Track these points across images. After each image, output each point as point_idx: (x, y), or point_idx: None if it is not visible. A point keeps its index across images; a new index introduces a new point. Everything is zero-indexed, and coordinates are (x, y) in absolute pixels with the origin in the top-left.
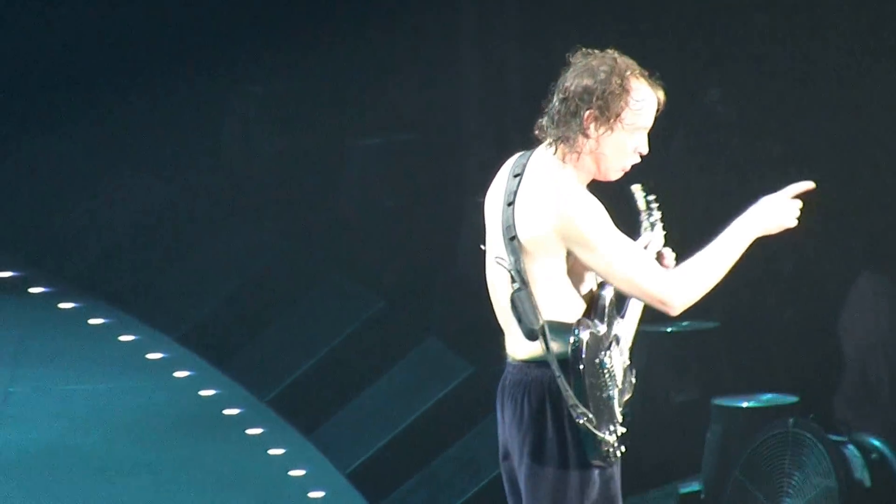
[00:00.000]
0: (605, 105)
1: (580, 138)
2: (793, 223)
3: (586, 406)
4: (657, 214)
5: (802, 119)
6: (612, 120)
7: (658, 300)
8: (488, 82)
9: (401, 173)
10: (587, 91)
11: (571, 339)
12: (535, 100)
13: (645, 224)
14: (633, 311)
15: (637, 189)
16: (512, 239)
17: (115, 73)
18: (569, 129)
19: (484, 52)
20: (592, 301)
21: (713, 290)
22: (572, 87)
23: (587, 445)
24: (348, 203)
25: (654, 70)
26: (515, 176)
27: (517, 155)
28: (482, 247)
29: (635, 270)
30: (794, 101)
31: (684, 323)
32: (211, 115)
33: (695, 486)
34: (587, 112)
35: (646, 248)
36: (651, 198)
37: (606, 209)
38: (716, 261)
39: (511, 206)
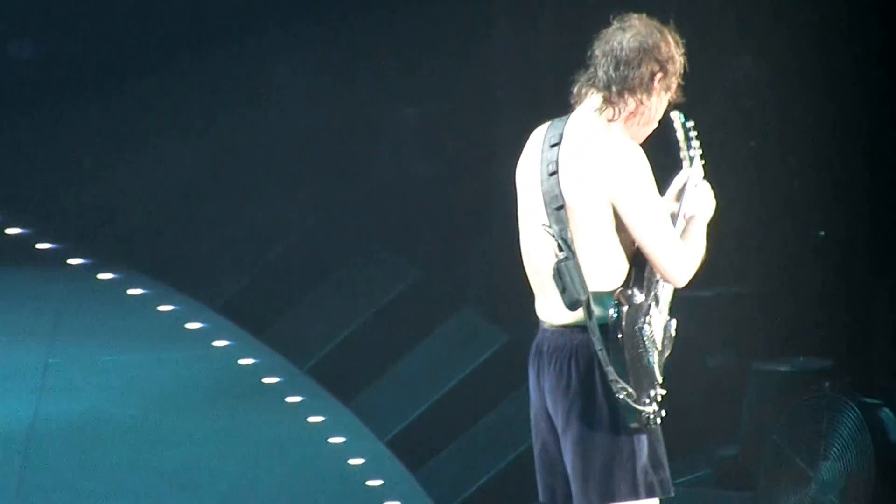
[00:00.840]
0: (671, 67)
1: (640, 99)
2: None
3: (626, 380)
4: (696, 145)
5: (836, 85)
6: (671, 82)
7: (672, 277)
8: (522, 52)
9: (436, 143)
10: (656, 52)
11: (611, 313)
12: (567, 69)
13: (684, 156)
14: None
15: (676, 117)
16: (558, 208)
17: (152, 43)
18: (627, 91)
19: (518, 22)
20: (632, 266)
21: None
22: (633, 48)
23: (628, 415)
24: (383, 173)
25: (685, 35)
26: (553, 146)
27: (546, 125)
28: (545, 226)
29: (663, 243)
30: (827, 68)
31: (719, 288)
32: (247, 86)
33: (732, 450)
34: (659, 74)
35: (685, 184)
36: (690, 124)
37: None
38: (699, 247)
39: (554, 176)
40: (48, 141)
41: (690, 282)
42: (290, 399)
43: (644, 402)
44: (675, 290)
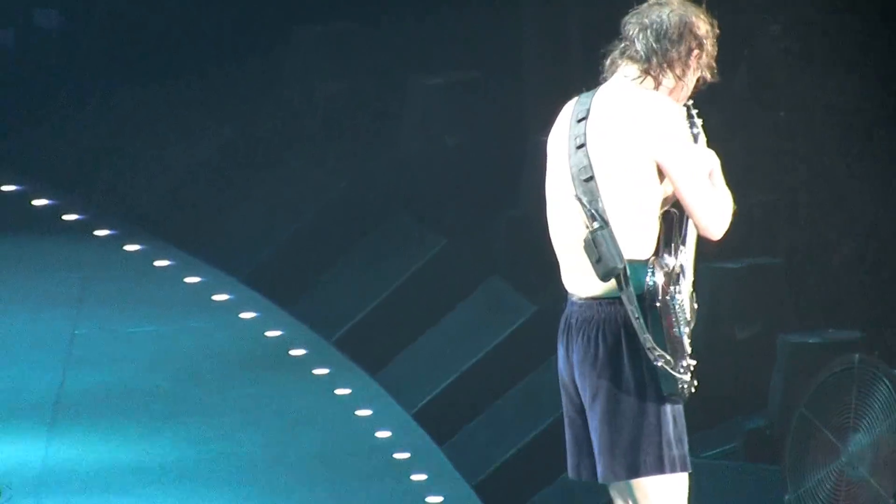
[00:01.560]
0: (705, 45)
1: (678, 75)
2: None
3: (664, 347)
4: (699, 123)
5: (867, 54)
6: (705, 56)
7: (712, 230)
8: (551, 20)
9: (463, 112)
10: (692, 28)
11: (647, 280)
12: (597, 38)
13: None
14: (692, 234)
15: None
16: (587, 180)
17: (175, 15)
18: (666, 65)
19: None
20: (660, 234)
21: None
22: (674, 23)
23: (664, 382)
24: (411, 142)
25: (716, 4)
26: (580, 120)
27: (575, 99)
28: (577, 196)
29: (704, 197)
30: (858, 37)
31: (748, 259)
32: (272, 55)
33: (760, 422)
34: (696, 49)
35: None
36: (690, 103)
37: None
38: (728, 198)
39: (582, 148)
40: (75, 112)
41: (720, 250)
42: (316, 371)
43: (680, 370)
44: (701, 270)
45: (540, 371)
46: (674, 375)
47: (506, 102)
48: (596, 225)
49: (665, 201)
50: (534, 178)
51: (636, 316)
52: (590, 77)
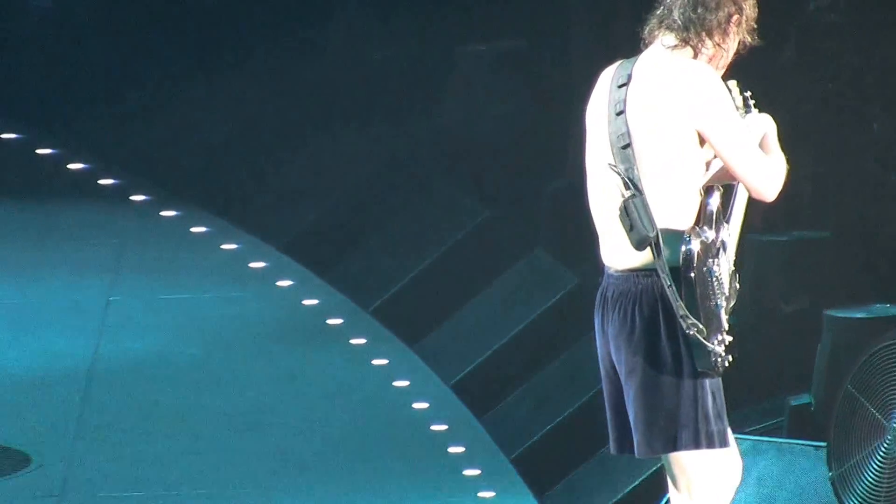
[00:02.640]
0: (745, 9)
1: (718, 42)
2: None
3: (697, 316)
4: (754, 112)
5: None
6: (743, 22)
7: (763, 191)
8: None
9: (507, 81)
10: None
11: (683, 248)
12: (643, 5)
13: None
14: (738, 214)
15: (734, 85)
16: (625, 147)
17: None
18: (703, 28)
19: None
20: (700, 208)
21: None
22: None
23: (697, 355)
24: (454, 111)
25: None
26: (621, 86)
27: (616, 64)
28: (611, 165)
29: (751, 158)
30: None
31: (795, 233)
32: (314, 21)
33: (805, 399)
34: (735, 16)
35: None
36: (748, 94)
37: None
38: (781, 158)
39: (622, 115)
40: (112, 74)
41: (767, 222)
42: (354, 341)
43: (713, 342)
44: (748, 243)
45: (581, 344)
46: (706, 347)
47: (551, 71)
48: (629, 193)
49: (713, 178)
50: (579, 148)
51: (668, 283)
52: (636, 46)
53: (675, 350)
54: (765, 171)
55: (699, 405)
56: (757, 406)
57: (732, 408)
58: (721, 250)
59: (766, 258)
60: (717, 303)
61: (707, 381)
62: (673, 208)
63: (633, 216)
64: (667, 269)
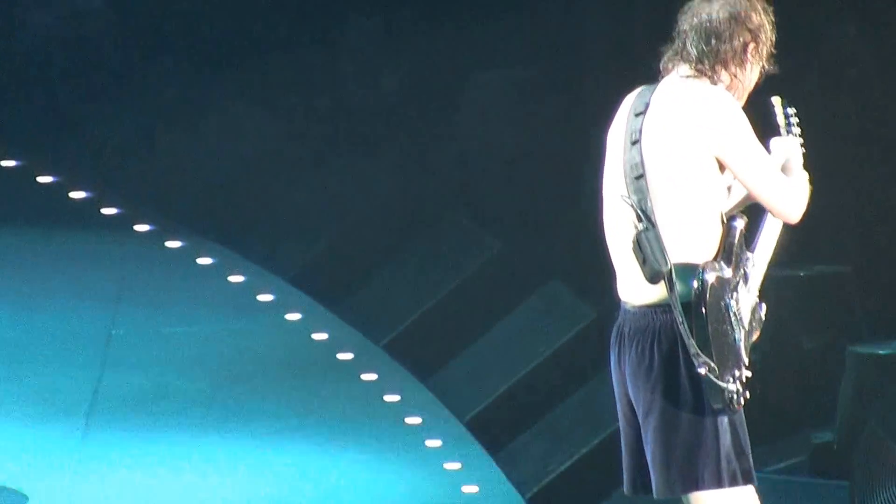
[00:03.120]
0: (762, 35)
1: (734, 73)
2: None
3: (709, 354)
4: (797, 131)
5: None
6: (763, 50)
7: (785, 213)
8: (612, 13)
9: (522, 108)
10: (747, 20)
11: (695, 283)
12: (660, 32)
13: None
14: (765, 243)
15: (777, 102)
16: (638, 178)
17: (224, 5)
18: (720, 65)
19: None
20: (719, 241)
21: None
22: (724, 17)
23: (709, 393)
24: (467, 139)
25: (788, 4)
26: (638, 115)
27: (636, 92)
28: (623, 196)
29: (772, 182)
30: None
31: (816, 267)
32: (324, 47)
33: (828, 437)
34: (751, 44)
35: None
36: (791, 111)
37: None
38: (804, 182)
39: (637, 145)
40: (116, 100)
41: (787, 256)
42: (364, 376)
43: (727, 379)
44: (768, 278)
45: (598, 380)
46: (718, 385)
47: (567, 100)
48: (641, 226)
49: (737, 204)
50: (595, 177)
51: (680, 320)
52: (651, 75)
53: (696, 387)
54: (786, 193)
55: (720, 443)
56: (778, 444)
57: (753, 445)
58: (741, 282)
59: (785, 292)
60: (734, 337)
61: (727, 417)
62: (690, 241)
63: (646, 250)
64: (679, 304)
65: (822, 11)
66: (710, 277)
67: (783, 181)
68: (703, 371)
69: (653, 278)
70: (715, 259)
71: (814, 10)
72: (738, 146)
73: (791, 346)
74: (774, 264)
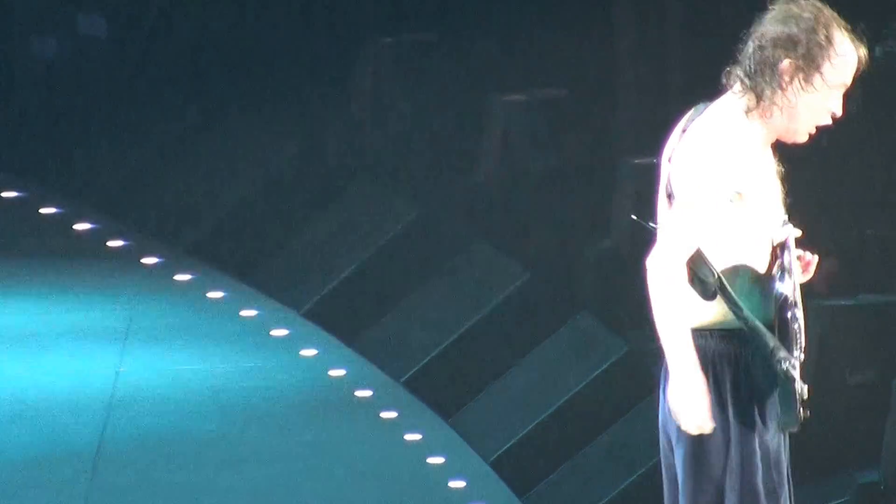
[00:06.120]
0: (809, 56)
1: (777, 91)
2: (683, 424)
3: (791, 351)
4: (788, 277)
5: None
6: (813, 73)
7: (651, 259)
8: (645, 32)
9: (549, 133)
10: (790, 39)
11: (777, 288)
12: (696, 52)
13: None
14: (796, 272)
15: (791, 233)
16: (670, 196)
17: (231, 31)
18: (763, 80)
19: (641, 2)
20: (771, 259)
21: None
22: (771, 34)
23: (781, 402)
24: (490, 165)
25: (858, 24)
26: (682, 132)
27: (695, 108)
28: (632, 216)
29: (677, 235)
30: None
31: (861, 297)
32: (339, 70)
33: (874, 476)
34: (787, 62)
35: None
36: (799, 255)
37: None
38: (667, 325)
39: (670, 163)
40: (122, 129)
41: (831, 286)
42: (384, 414)
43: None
44: (811, 308)
45: (630, 417)
46: (796, 386)
47: (595, 124)
48: None
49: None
50: (626, 204)
51: (749, 320)
52: (685, 99)
53: (724, 417)
54: (669, 254)
55: (745, 479)
56: (822, 484)
57: (794, 486)
58: (797, 302)
59: (830, 324)
60: (797, 354)
61: (759, 454)
62: (728, 259)
63: (692, 268)
64: (745, 310)
65: (864, 26)
66: (787, 285)
67: (678, 247)
68: (785, 366)
69: (705, 293)
70: (771, 272)
71: (857, 25)
72: (681, 188)
73: (835, 380)
74: (817, 295)
